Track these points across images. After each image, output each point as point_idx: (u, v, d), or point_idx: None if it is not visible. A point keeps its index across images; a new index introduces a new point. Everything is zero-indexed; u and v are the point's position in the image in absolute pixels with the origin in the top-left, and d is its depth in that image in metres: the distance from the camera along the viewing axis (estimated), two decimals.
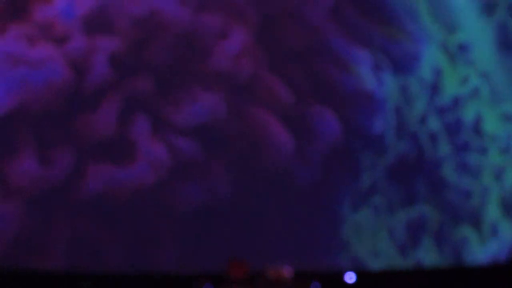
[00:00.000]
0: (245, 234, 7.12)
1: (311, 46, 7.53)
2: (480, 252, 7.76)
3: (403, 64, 7.79)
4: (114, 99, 6.86)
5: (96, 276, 6.66)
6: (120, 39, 6.92)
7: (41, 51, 6.65)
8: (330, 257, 7.28)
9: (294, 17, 7.43)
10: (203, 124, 7.13)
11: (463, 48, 7.94)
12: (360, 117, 7.68)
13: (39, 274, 6.55)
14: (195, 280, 5.50)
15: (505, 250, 7.76)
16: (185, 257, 7.02)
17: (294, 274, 4.83)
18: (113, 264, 6.76)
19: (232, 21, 7.21)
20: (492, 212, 7.86)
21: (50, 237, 6.74)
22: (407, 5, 7.75)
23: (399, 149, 7.74)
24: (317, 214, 7.46)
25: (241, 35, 7.21)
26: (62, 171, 6.66)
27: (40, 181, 6.64)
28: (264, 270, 4.80)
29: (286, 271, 4.70)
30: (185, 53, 7.15)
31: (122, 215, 6.89)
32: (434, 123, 7.85)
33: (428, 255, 7.71)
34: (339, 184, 7.54)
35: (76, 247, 6.76)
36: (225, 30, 7.19)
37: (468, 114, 7.96)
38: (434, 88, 7.90)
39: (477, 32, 7.94)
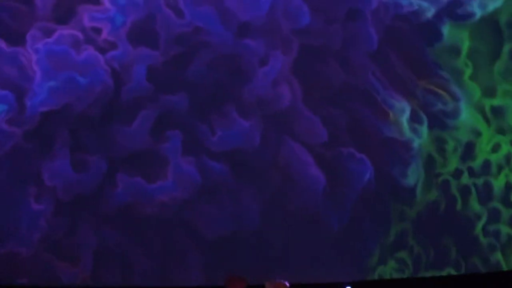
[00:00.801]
0: (264, 266, 6.98)
1: (350, 87, 7.49)
2: None
3: (440, 120, 7.76)
4: (150, 113, 6.84)
5: None
6: (162, 53, 6.92)
7: (86, 56, 6.65)
8: None
9: (336, 55, 7.40)
10: (236, 149, 7.06)
11: (498, 113, 7.90)
12: (393, 165, 7.57)
13: None
14: None
15: None
16: (205, 275, 6.91)
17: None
18: (137, 277, 6.69)
19: (274, 48, 7.21)
20: None
21: (76, 243, 6.67)
22: (451, 63, 7.76)
23: (428, 202, 7.62)
24: (342, 260, 7.30)
25: (281, 64, 7.20)
26: (94, 178, 6.63)
27: (72, 185, 6.60)
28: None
29: (284, 285, 4.69)
30: (224, 75, 7.13)
31: (148, 228, 6.81)
32: (465, 180, 7.73)
33: None
34: (367, 232, 7.41)
35: (102, 257, 6.66)
36: (267, 57, 7.17)
37: (499, 180, 7.85)
38: (468, 148, 7.81)
39: None
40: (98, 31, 6.73)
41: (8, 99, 6.47)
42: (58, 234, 6.59)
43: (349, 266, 7.30)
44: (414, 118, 7.68)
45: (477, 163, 7.77)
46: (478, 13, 7.63)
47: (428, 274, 7.58)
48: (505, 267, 7.70)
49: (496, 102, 7.87)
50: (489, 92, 7.85)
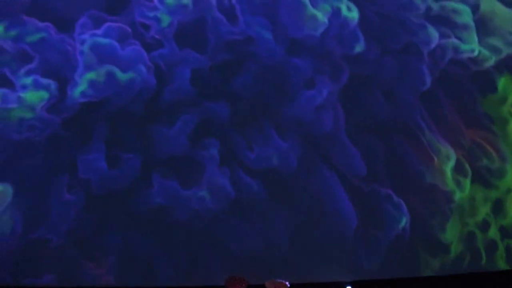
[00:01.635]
0: None
1: (395, 123, 7.29)
2: None
3: (484, 177, 7.53)
4: (191, 117, 6.72)
5: None
6: (209, 58, 6.81)
7: (130, 52, 6.58)
8: None
9: (385, 88, 7.24)
10: (271, 168, 6.88)
11: None
12: (432, 217, 7.29)
13: None
14: None
15: None
16: None
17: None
18: (159, 283, 6.52)
19: (322, 73, 7.06)
20: None
21: (102, 241, 6.53)
22: (501, 121, 7.62)
23: (457, 252, 7.32)
24: None
25: (328, 90, 7.03)
26: (128, 176, 6.52)
27: (105, 180, 6.48)
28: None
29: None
30: (268, 91, 6.99)
31: (177, 235, 6.65)
32: (492, 233, 7.46)
33: None
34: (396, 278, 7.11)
35: (126, 258, 6.51)
36: (313, 80, 7.03)
37: None
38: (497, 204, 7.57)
39: None
40: (147, 27, 6.66)
41: (50, 87, 6.40)
42: (86, 230, 6.47)
43: None
44: (459, 169, 7.44)
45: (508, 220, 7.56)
46: None
47: None
48: None
49: None
50: None
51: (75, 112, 6.48)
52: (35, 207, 6.38)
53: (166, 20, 6.69)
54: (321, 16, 6.91)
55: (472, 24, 7.45)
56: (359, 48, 7.07)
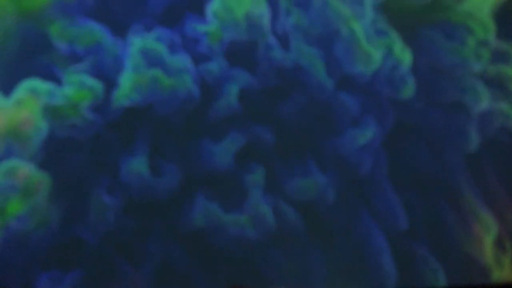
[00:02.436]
0: None
1: (438, 181, 7.08)
2: None
3: None
4: (239, 137, 6.64)
5: None
6: (258, 81, 6.73)
7: (179, 60, 6.54)
8: None
9: (429, 142, 7.08)
10: (310, 201, 6.73)
11: None
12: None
13: None
14: None
15: None
16: None
17: None
18: None
19: (370, 113, 6.95)
20: None
21: (141, 246, 6.46)
22: None
23: None
24: None
25: (373, 131, 6.91)
26: (169, 187, 6.43)
27: (147, 187, 6.39)
28: None
29: None
30: (313, 122, 6.90)
31: (215, 258, 6.53)
32: None
33: None
34: None
35: (164, 270, 6.42)
36: (360, 119, 6.92)
37: None
38: None
39: None
40: (197, 41, 6.62)
41: (97, 88, 6.37)
42: (125, 234, 6.38)
43: None
44: (499, 244, 7.12)
45: None
46: None
47: None
48: None
49: None
50: None
51: (119, 115, 6.41)
52: (73, 204, 6.29)
53: (217, 36, 6.64)
54: (375, 54, 6.82)
55: None
56: (407, 93, 6.95)
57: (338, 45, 6.86)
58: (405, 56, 6.96)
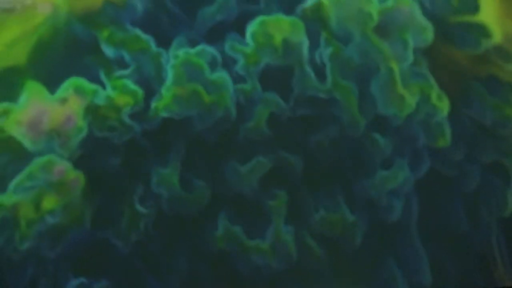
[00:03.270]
0: None
1: (468, 240, 6.73)
2: None
3: None
4: (265, 161, 6.51)
5: None
6: (290, 108, 6.59)
7: (219, 78, 6.50)
8: None
9: (464, 199, 6.76)
10: (336, 238, 6.54)
11: None
12: None
13: None
14: None
15: None
16: None
17: None
18: None
19: (403, 157, 6.76)
20: None
21: (168, 259, 6.37)
22: None
23: None
24: None
25: (405, 177, 6.71)
26: (198, 203, 6.39)
27: (176, 200, 6.33)
28: None
29: None
30: (343, 159, 6.75)
31: (238, 282, 6.40)
32: None
33: None
34: None
35: (191, 283, 6.35)
36: (391, 161, 6.71)
37: None
38: None
39: None
40: (234, 60, 6.58)
41: (138, 95, 6.37)
42: (153, 245, 6.31)
43: None
44: None
45: None
46: None
47: None
48: None
49: None
50: None
51: (156, 125, 6.39)
52: (106, 208, 6.28)
53: (253, 58, 6.61)
54: (410, 97, 6.69)
55: None
56: (443, 143, 6.75)
57: (374, 83, 6.74)
58: (442, 104, 6.80)
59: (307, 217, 6.52)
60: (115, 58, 6.45)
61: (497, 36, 7.03)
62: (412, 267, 6.57)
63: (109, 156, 6.32)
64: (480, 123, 6.95)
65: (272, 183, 6.53)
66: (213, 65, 6.55)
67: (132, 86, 6.41)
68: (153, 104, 6.40)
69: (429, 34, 6.85)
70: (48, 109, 6.26)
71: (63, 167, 6.20)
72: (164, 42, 6.52)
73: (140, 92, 6.40)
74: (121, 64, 6.45)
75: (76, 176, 6.25)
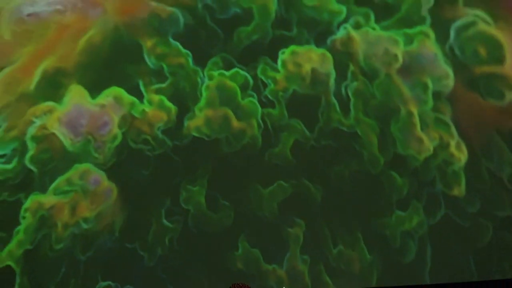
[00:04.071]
0: None
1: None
2: None
3: None
4: (287, 187, 6.63)
5: None
6: (313, 137, 6.71)
7: (249, 103, 6.72)
8: None
9: (476, 254, 6.78)
10: (352, 274, 6.58)
11: None
12: None
13: None
14: None
15: None
16: None
17: None
18: None
19: (419, 200, 6.83)
20: None
21: (189, 274, 6.56)
22: None
23: None
24: None
25: (419, 218, 6.76)
26: (222, 223, 6.56)
27: (201, 217, 6.55)
28: None
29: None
30: (362, 195, 6.79)
31: None
32: None
33: None
34: None
35: None
36: (408, 202, 6.81)
37: None
38: None
39: None
40: (264, 84, 6.74)
41: (171, 111, 6.61)
42: (176, 261, 6.49)
43: None
44: None
45: None
46: None
47: None
48: None
49: None
50: None
51: (187, 142, 6.59)
52: (134, 219, 6.44)
53: (283, 84, 6.70)
54: (428, 141, 6.75)
55: None
56: (458, 192, 6.77)
57: (394, 124, 6.77)
58: (461, 154, 6.83)
59: (324, 249, 6.50)
60: (155, 69, 6.63)
61: None
62: None
63: (141, 168, 6.47)
64: (498, 177, 6.98)
65: (292, 210, 6.55)
66: (244, 87, 6.68)
67: (167, 103, 6.60)
68: (186, 122, 6.61)
69: (450, 80, 7.00)
70: (87, 112, 6.45)
71: (98, 177, 6.40)
72: (201, 57, 6.70)
73: (174, 109, 6.59)
74: (160, 76, 6.62)
75: (109, 186, 6.47)
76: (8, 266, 6.17)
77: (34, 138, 6.32)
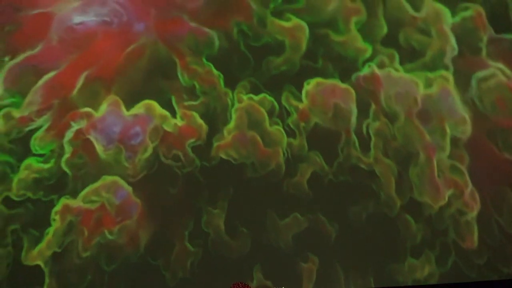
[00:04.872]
0: None
1: None
2: None
3: None
4: (302, 221, 6.59)
5: None
6: (331, 171, 6.68)
7: (276, 131, 6.77)
8: None
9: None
10: None
11: None
12: None
13: None
14: None
15: None
16: None
17: None
18: None
19: (431, 247, 6.74)
20: None
21: None
22: None
23: None
24: None
25: (431, 267, 6.67)
26: (239, 249, 6.57)
27: (220, 242, 6.55)
28: None
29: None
30: (376, 235, 6.70)
31: None
32: None
33: None
34: None
35: None
36: (421, 250, 6.70)
37: None
38: None
39: None
40: (288, 113, 6.79)
41: (202, 128, 6.70)
42: (196, 285, 6.48)
43: None
44: None
45: None
46: None
47: None
48: None
49: None
50: None
51: (215, 164, 6.63)
52: (160, 238, 6.47)
53: (305, 115, 6.71)
54: (443, 190, 6.68)
55: None
56: (470, 244, 6.68)
57: (413, 168, 6.69)
58: (474, 203, 6.74)
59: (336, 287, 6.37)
60: (187, 87, 6.70)
61: None
62: None
63: (169, 185, 6.50)
64: (507, 232, 6.91)
65: (307, 244, 6.46)
66: (271, 113, 6.70)
67: (199, 119, 6.68)
68: (215, 143, 6.65)
69: (468, 126, 7.01)
70: (121, 121, 6.54)
71: (125, 191, 6.46)
72: (231, 80, 6.76)
73: (205, 127, 6.65)
74: (192, 94, 6.69)
75: (135, 202, 6.51)
76: (38, 266, 6.25)
77: (71, 142, 6.43)
